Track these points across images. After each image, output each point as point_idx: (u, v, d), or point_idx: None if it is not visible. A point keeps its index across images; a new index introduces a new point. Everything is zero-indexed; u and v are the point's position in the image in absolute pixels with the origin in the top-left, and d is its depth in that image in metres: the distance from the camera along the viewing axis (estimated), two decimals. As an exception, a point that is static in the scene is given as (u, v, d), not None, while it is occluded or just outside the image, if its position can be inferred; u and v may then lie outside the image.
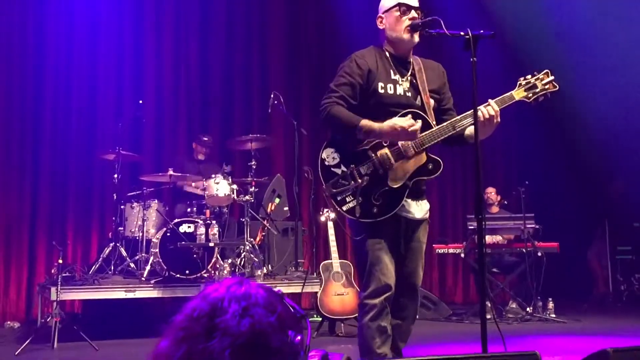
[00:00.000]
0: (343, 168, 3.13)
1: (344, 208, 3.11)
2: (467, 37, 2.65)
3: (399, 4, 3.21)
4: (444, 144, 3.28)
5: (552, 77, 3.19)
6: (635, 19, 8.33)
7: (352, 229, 3.27)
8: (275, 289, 1.41)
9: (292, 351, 1.31)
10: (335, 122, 3.11)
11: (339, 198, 3.12)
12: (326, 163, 3.16)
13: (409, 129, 3.02)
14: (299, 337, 1.35)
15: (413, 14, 3.19)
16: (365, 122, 3.05)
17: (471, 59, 2.63)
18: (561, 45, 8.80)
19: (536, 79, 3.19)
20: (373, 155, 3.12)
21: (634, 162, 8.75)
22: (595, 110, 8.86)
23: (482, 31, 2.66)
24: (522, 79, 3.19)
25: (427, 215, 3.31)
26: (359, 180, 3.09)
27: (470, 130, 3.17)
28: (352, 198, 3.10)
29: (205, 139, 7.46)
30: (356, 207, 3.09)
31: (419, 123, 3.05)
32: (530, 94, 3.17)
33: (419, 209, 3.24)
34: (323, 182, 3.15)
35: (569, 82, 8.37)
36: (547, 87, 3.18)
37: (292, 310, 1.39)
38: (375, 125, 3.05)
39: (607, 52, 8.63)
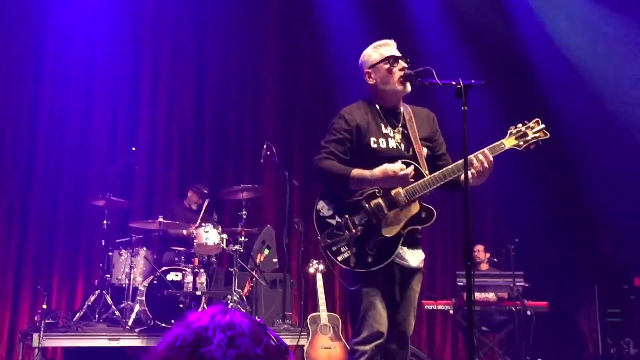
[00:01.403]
0: (337, 219, 3.14)
1: (339, 258, 3.11)
2: (459, 86, 2.70)
3: (387, 58, 3.26)
4: (443, 189, 3.27)
5: (542, 126, 3.20)
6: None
7: (347, 278, 3.25)
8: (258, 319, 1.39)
9: None
10: (326, 175, 3.15)
11: (334, 249, 3.12)
12: (321, 214, 3.18)
13: (400, 173, 3.04)
14: None
15: (402, 63, 3.23)
16: (356, 172, 3.08)
17: (462, 108, 2.67)
18: (554, 98, 8.93)
19: (527, 128, 3.20)
20: (366, 205, 3.12)
21: (623, 223, 8.78)
22: (587, 170, 8.95)
23: (472, 81, 2.71)
24: (512, 127, 3.21)
25: (422, 265, 3.29)
26: (353, 230, 3.09)
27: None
28: (347, 248, 3.10)
29: (205, 190, 7.43)
30: (351, 257, 3.09)
31: (411, 168, 3.07)
32: (522, 142, 3.18)
33: (413, 257, 3.22)
34: (318, 233, 3.16)
35: (566, 141, 8.55)
36: (538, 135, 3.19)
37: (276, 342, 1.36)
38: (367, 172, 3.07)
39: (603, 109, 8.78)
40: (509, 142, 3.18)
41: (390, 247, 3.11)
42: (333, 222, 3.14)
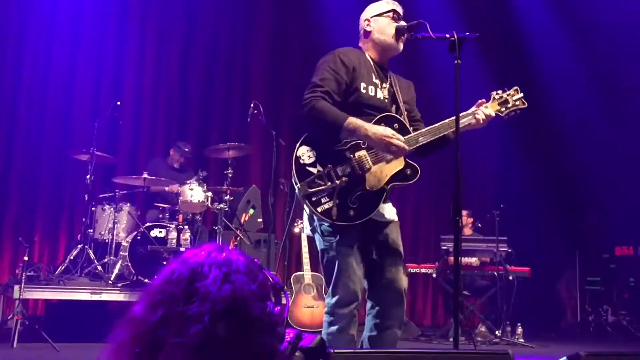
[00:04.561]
0: (319, 167, 3.00)
1: (319, 209, 2.95)
2: (453, 39, 2.65)
3: (393, 10, 3.21)
4: (419, 155, 3.23)
5: (521, 94, 3.25)
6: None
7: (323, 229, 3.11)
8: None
9: (271, 321, 1.27)
10: (319, 116, 2.98)
11: (314, 199, 2.97)
12: (301, 161, 3.03)
13: (397, 143, 2.97)
14: (277, 308, 1.30)
15: (403, 23, 3.20)
16: (352, 121, 2.96)
17: (455, 61, 2.63)
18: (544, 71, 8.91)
19: (507, 95, 3.25)
20: (351, 156, 3.01)
21: (609, 194, 8.85)
22: (576, 139, 8.97)
23: (467, 33, 2.67)
24: (494, 93, 3.25)
25: (396, 217, 3.22)
26: (337, 182, 2.96)
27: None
28: (329, 199, 2.96)
29: (186, 149, 7.37)
30: (332, 209, 2.95)
31: (406, 148, 3.02)
32: (503, 109, 3.23)
33: (388, 210, 3.16)
34: (297, 181, 2.99)
35: (553, 111, 8.55)
36: (517, 103, 3.24)
37: (272, 280, 1.34)
38: (365, 126, 2.96)
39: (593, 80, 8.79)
40: (492, 107, 3.21)
41: (373, 201, 3.02)
42: (314, 170, 3.00)
